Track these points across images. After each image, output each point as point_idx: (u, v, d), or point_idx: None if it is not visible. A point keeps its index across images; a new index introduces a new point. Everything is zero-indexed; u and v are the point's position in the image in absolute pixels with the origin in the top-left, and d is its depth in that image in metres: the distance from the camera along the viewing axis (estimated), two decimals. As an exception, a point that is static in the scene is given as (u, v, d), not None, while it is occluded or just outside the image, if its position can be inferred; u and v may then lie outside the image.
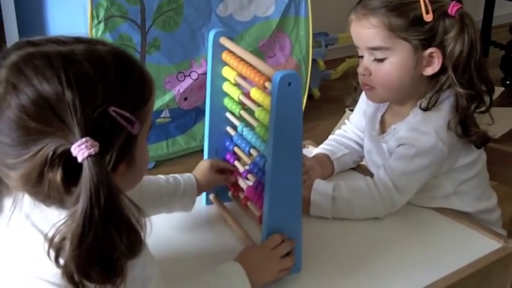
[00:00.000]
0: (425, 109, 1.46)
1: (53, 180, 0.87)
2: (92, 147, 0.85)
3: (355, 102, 1.71)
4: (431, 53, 1.44)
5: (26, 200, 0.96)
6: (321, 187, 1.47)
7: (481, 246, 1.38)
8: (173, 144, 3.26)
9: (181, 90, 3.16)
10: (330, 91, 4.04)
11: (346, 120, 1.77)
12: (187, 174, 1.43)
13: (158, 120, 3.13)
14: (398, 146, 1.47)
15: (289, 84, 1.12)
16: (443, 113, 1.45)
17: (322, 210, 1.46)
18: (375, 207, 1.45)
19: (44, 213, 0.94)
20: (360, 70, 1.51)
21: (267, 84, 1.21)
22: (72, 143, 0.85)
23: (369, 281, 1.27)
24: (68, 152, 0.86)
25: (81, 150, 0.85)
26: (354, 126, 1.73)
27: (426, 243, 1.39)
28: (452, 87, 1.44)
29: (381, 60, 1.46)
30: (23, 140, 0.87)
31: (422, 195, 1.51)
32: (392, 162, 1.47)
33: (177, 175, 1.42)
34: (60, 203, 0.90)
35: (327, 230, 1.44)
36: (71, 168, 0.86)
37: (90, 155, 0.85)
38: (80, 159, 0.85)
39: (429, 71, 1.46)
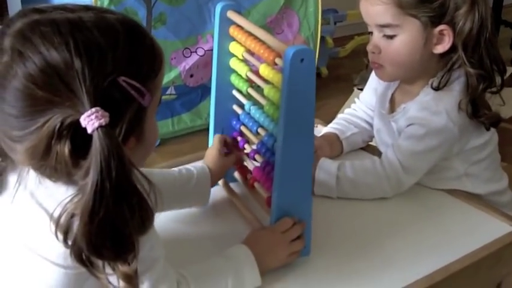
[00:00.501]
0: (437, 88, 1.43)
1: (60, 152, 0.83)
2: (103, 118, 0.81)
3: (363, 80, 1.68)
4: (441, 30, 1.41)
5: (31, 176, 0.92)
6: (325, 165, 1.44)
7: (492, 229, 1.36)
8: (178, 122, 3.23)
9: (187, 67, 3.13)
10: (338, 69, 4.00)
11: (356, 99, 1.74)
12: (200, 165, 1.40)
13: (163, 97, 3.10)
14: (408, 125, 1.44)
15: (302, 60, 1.07)
16: (454, 93, 1.42)
17: (327, 189, 1.43)
18: (380, 187, 1.42)
19: (49, 190, 0.90)
20: (369, 48, 1.48)
21: (278, 60, 1.17)
22: (82, 113, 0.81)
23: (380, 264, 1.24)
24: (76, 123, 0.82)
25: (90, 120, 0.81)
26: (364, 105, 1.70)
27: (437, 226, 1.36)
28: (463, 66, 1.41)
29: (390, 38, 1.43)
30: (30, 111, 0.83)
31: (433, 176, 1.48)
32: (401, 141, 1.44)
33: (189, 166, 1.38)
34: (68, 177, 0.87)
35: (335, 212, 1.41)
36: (80, 140, 0.82)
37: (100, 126, 0.81)
38: (89, 130, 0.81)
39: (439, 49, 1.43)
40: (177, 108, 3.23)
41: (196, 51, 3.15)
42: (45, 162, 0.85)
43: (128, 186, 0.83)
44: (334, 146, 1.62)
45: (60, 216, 0.84)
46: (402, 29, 1.41)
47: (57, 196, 0.88)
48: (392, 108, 1.57)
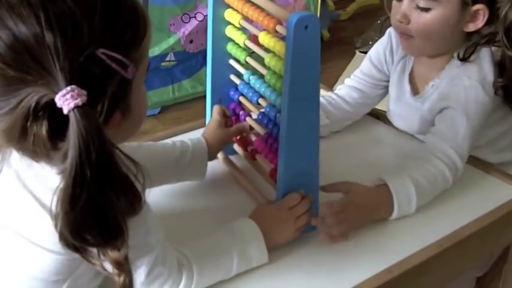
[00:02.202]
0: (463, 59, 1.38)
1: (37, 134, 0.77)
2: (79, 97, 0.75)
3: (365, 43, 1.62)
4: (477, 9, 1.35)
5: (15, 156, 0.87)
6: (401, 187, 1.26)
7: (500, 193, 1.34)
8: (179, 89, 3.21)
9: (186, 33, 3.09)
10: (340, 32, 3.95)
11: (346, 79, 1.65)
12: (196, 137, 1.33)
13: (163, 64, 3.08)
14: (445, 108, 1.38)
15: (306, 27, 1.02)
16: (484, 63, 1.37)
17: (406, 210, 1.28)
18: (445, 182, 1.32)
19: (35, 170, 0.86)
20: (397, 17, 1.40)
21: (279, 27, 1.12)
22: (56, 93, 0.75)
23: (387, 232, 1.23)
24: (52, 103, 0.76)
25: (66, 100, 0.74)
26: (354, 82, 1.60)
27: (445, 191, 1.33)
28: (490, 44, 1.37)
29: (425, 10, 1.35)
30: (2, 91, 0.77)
31: None
32: (446, 130, 1.37)
33: (185, 138, 1.33)
34: (48, 159, 0.82)
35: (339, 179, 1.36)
36: (58, 120, 0.77)
37: (76, 106, 0.74)
38: (65, 111, 0.75)
39: (471, 27, 1.37)
40: (177, 75, 3.20)
41: (195, 17, 3.10)
42: (23, 145, 0.80)
43: (110, 170, 0.78)
44: None
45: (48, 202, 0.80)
46: (440, 4, 1.34)
47: (43, 177, 0.84)
48: (415, 89, 1.50)
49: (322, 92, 1.62)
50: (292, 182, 1.15)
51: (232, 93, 1.39)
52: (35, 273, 0.89)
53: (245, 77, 1.32)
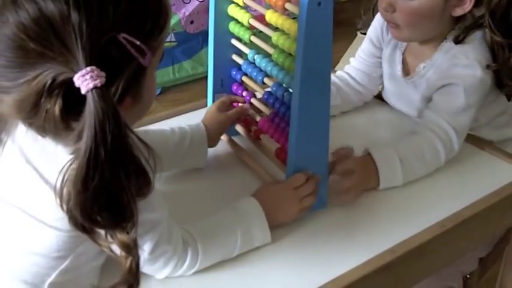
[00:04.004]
0: (457, 41, 1.37)
1: (50, 111, 0.77)
2: (98, 78, 0.75)
3: (367, 24, 1.60)
4: None
5: (20, 130, 0.88)
6: (383, 156, 1.30)
7: (503, 173, 1.34)
8: (179, 70, 3.20)
9: (187, 13, 3.09)
10: (340, 13, 3.92)
11: (351, 59, 1.64)
12: (195, 124, 1.32)
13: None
14: (444, 86, 1.38)
15: (319, 4, 1.01)
16: (476, 43, 1.36)
17: (392, 180, 1.30)
18: (437, 158, 1.33)
19: (40, 145, 0.86)
20: (381, 6, 1.39)
21: (288, 5, 1.11)
22: (76, 72, 0.75)
23: (390, 213, 1.22)
24: (69, 82, 0.76)
25: (85, 80, 0.75)
26: (358, 63, 1.60)
27: (448, 171, 1.33)
28: (482, 28, 1.36)
29: None
30: (20, 62, 0.77)
31: None
32: (442, 104, 1.37)
33: (184, 125, 1.32)
34: (55, 136, 0.82)
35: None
36: (72, 99, 0.77)
37: (95, 87, 0.75)
38: (83, 91, 0.75)
39: (459, 11, 1.36)
40: (177, 56, 3.19)
41: (196, -3, 3.10)
42: (33, 119, 0.80)
43: (124, 152, 0.78)
44: None
45: (56, 184, 0.79)
46: None
47: (50, 154, 0.84)
48: (406, 71, 1.50)
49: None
50: (302, 164, 1.15)
51: (234, 73, 1.38)
52: (36, 248, 0.89)
53: (250, 56, 1.30)
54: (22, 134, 0.87)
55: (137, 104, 0.87)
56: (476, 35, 1.37)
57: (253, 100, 1.34)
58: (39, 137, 0.84)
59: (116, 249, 0.82)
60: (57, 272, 0.91)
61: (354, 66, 1.60)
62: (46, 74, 0.76)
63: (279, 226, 1.13)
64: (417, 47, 1.46)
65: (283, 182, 1.16)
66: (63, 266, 0.91)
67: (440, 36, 1.41)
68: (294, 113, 1.10)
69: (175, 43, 3.14)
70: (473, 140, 1.44)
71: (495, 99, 1.43)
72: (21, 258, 0.91)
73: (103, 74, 0.76)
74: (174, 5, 3.04)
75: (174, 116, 1.52)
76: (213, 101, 1.39)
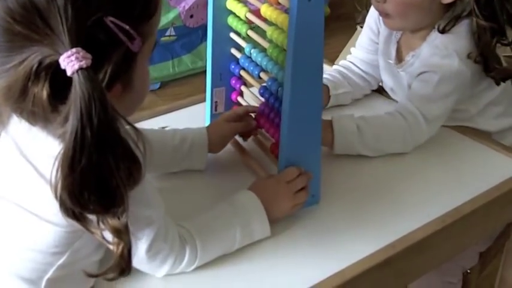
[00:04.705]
0: (443, 31, 1.38)
1: (38, 95, 0.76)
2: (84, 59, 0.74)
3: (365, 19, 1.61)
4: None
5: (13, 123, 0.87)
6: (343, 122, 1.34)
7: (503, 168, 1.33)
8: (179, 64, 3.19)
9: (186, 7, 3.08)
10: (340, 8, 3.92)
11: (352, 48, 1.66)
12: (198, 128, 1.30)
13: (163, 38, 3.06)
14: (421, 73, 1.38)
15: None
16: (462, 34, 1.37)
17: (347, 147, 1.34)
18: (402, 140, 1.36)
19: (33, 136, 0.85)
20: None
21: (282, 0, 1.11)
22: (61, 54, 0.75)
23: (389, 207, 1.21)
24: (56, 64, 0.75)
25: (70, 61, 0.74)
26: (360, 52, 1.62)
27: (447, 166, 1.33)
28: (475, 18, 1.35)
29: None
30: (7, 47, 0.77)
31: None
32: (416, 90, 1.38)
33: (186, 129, 1.30)
34: (46, 123, 0.81)
35: (342, 157, 1.36)
36: (60, 83, 0.76)
37: (81, 68, 0.74)
38: (69, 73, 0.74)
39: None
40: (177, 50, 3.18)
41: (195, -9, 3.09)
42: (22, 105, 0.79)
43: (111, 134, 0.77)
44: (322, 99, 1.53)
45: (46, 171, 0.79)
46: None
47: (42, 144, 0.84)
48: (400, 58, 1.51)
49: (326, 67, 1.61)
50: (294, 158, 1.14)
51: (233, 67, 1.37)
52: (33, 244, 0.89)
53: (246, 50, 1.30)
54: (15, 127, 0.87)
55: (128, 93, 0.86)
56: (463, 26, 1.37)
57: (249, 95, 1.34)
58: (33, 129, 0.84)
59: (109, 236, 0.81)
60: (54, 267, 0.90)
61: (355, 56, 1.62)
62: (33, 57, 0.75)
63: (273, 221, 1.12)
64: (409, 37, 1.48)
65: (275, 176, 1.16)
66: (60, 262, 0.90)
67: (430, 26, 1.42)
68: (285, 107, 1.10)
69: (175, 37, 3.13)
70: (472, 133, 1.44)
71: (486, 89, 1.44)
72: (18, 254, 0.91)
73: (89, 56, 0.75)
74: (173, -1, 3.04)
75: (174, 110, 1.52)
76: (211, 96, 1.39)
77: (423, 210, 1.19)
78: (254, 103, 1.33)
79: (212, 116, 1.41)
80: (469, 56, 1.35)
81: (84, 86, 0.74)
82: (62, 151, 0.75)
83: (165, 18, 3.01)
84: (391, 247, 1.11)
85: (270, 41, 1.18)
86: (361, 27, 1.64)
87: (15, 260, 0.91)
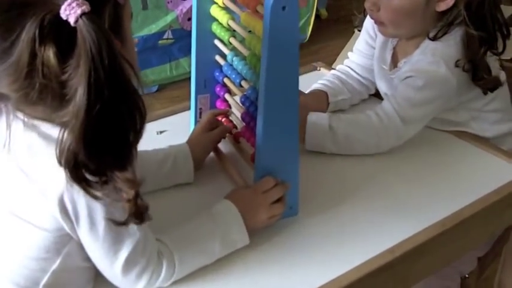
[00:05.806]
0: (433, 38, 1.38)
1: (46, 58, 0.77)
2: (84, 5, 0.75)
3: (363, 22, 1.61)
4: None
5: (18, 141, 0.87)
6: (316, 119, 1.35)
7: (502, 172, 1.33)
8: (177, 67, 3.19)
9: (184, 10, 3.08)
10: (338, 11, 3.93)
11: (349, 53, 1.66)
12: (178, 144, 1.29)
13: (161, 41, 3.06)
14: (407, 77, 1.38)
15: (284, 8, 0.98)
16: (451, 42, 1.37)
17: (320, 145, 1.36)
18: (377, 140, 1.36)
19: (27, 143, 0.85)
20: (366, 5, 1.41)
21: (259, 8, 1.09)
22: (60, 5, 0.76)
23: (387, 212, 1.21)
24: (56, 20, 0.76)
25: (72, 9, 0.75)
26: (357, 56, 1.62)
27: (446, 170, 1.33)
28: (464, 27, 1.35)
29: None
30: (6, 18, 0.77)
31: (438, 118, 1.43)
32: (398, 93, 1.39)
33: (168, 147, 1.28)
34: (55, 98, 0.80)
35: (328, 163, 1.35)
36: (64, 39, 0.76)
37: (84, 13, 0.75)
38: (72, 20, 0.75)
39: (443, 6, 1.36)
40: (174, 53, 3.18)
41: (193, -6, 3.08)
42: (32, 81, 0.79)
43: (121, 77, 0.78)
44: (321, 106, 1.52)
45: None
46: None
47: (35, 151, 0.85)
48: (394, 64, 1.51)
49: (325, 71, 1.61)
50: (270, 168, 1.12)
51: (217, 74, 1.35)
52: (25, 251, 0.90)
53: (229, 58, 1.28)
54: (7, 131, 0.87)
55: (125, 48, 0.88)
56: (454, 34, 1.37)
57: (232, 101, 1.33)
58: (28, 132, 0.84)
59: (112, 195, 0.82)
60: (48, 274, 0.91)
61: (352, 60, 1.62)
62: (33, 20, 0.76)
63: (250, 231, 1.09)
64: (405, 43, 1.49)
65: (251, 187, 1.14)
66: (54, 267, 0.90)
67: (424, 34, 1.42)
68: (260, 115, 1.07)
69: (173, 40, 3.13)
70: (471, 138, 1.44)
71: (477, 97, 1.43)
72: (13, 261, 0.91)
73: (86, 2, 0.76)
74: (171, 1, 3.03)
75: (172, 114, 1.53)
76: (196, 103, 1.39)
77: (422, 214, 1.19)
78: (237, 112, 1.31)
79: (196, 123, 1.39)
80: (457, 64, 1.35)
81: (90, 28, 0.75)
82: (77, 100, 0.76)
83: (163, 21, 3.01)
84: (390, 252, 1.10)
85: (249, 49, 1.17)
86: (359, 30, 1.64)
87: (11, 267, 0.91)
